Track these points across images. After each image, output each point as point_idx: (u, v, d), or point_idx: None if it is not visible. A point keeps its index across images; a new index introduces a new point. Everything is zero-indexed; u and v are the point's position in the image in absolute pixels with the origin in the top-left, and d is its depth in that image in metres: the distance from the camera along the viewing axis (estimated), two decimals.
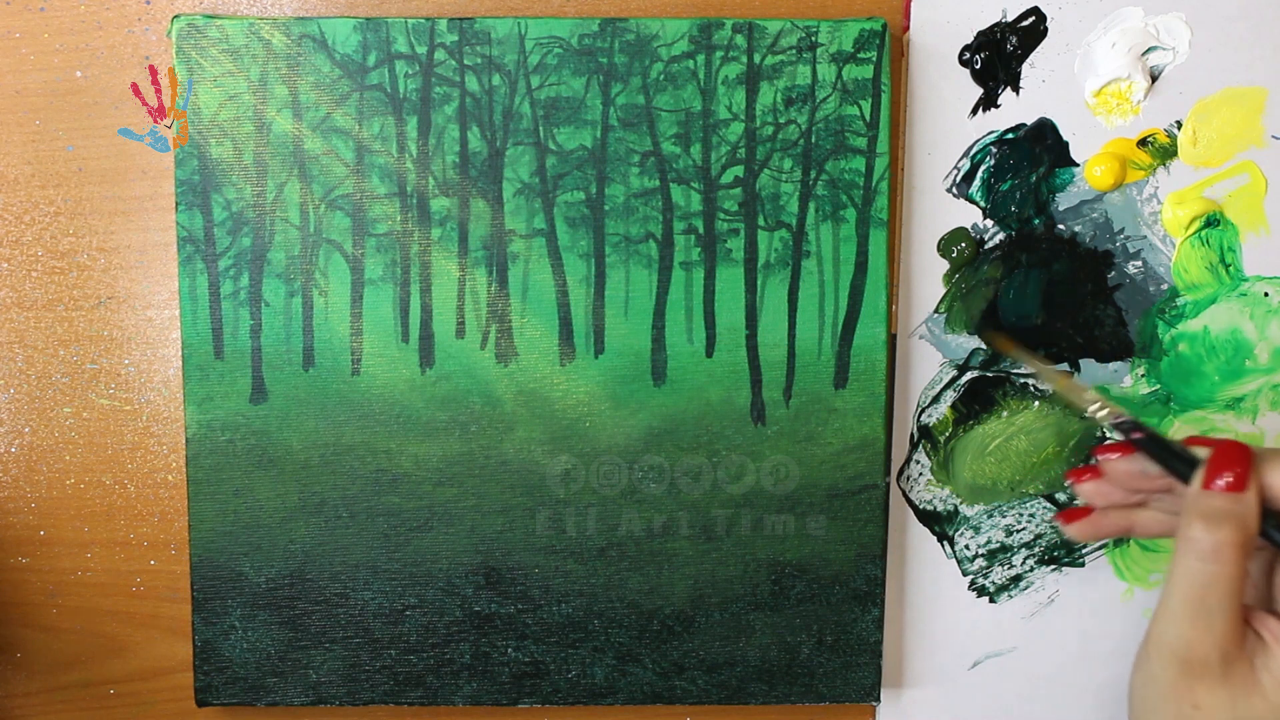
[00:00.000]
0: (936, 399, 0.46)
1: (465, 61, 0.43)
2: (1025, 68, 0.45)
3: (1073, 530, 0.42)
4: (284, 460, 0.45)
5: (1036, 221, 0.45)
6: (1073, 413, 0.45)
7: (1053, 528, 0.47)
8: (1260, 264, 0.45)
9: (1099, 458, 0.41)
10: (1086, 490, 0.42)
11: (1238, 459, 0.36)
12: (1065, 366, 0.46)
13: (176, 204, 0.44)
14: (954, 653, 0.47)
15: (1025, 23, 0.44)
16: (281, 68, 0.43)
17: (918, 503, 0.47)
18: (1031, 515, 0.47)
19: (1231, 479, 0.36)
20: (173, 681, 0.47)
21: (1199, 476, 0.37)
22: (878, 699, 0.46)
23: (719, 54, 0.43)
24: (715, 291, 0.44)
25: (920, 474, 0.47)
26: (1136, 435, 0.39)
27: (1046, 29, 0.44)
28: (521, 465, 0.45)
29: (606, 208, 0.44)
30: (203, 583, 0.45)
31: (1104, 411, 0.41)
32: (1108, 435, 0.46)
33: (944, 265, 0.45)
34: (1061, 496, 0.47)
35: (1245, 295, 0.46)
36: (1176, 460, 0.38)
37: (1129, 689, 0.39)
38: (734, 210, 0.44)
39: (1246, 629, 0.36)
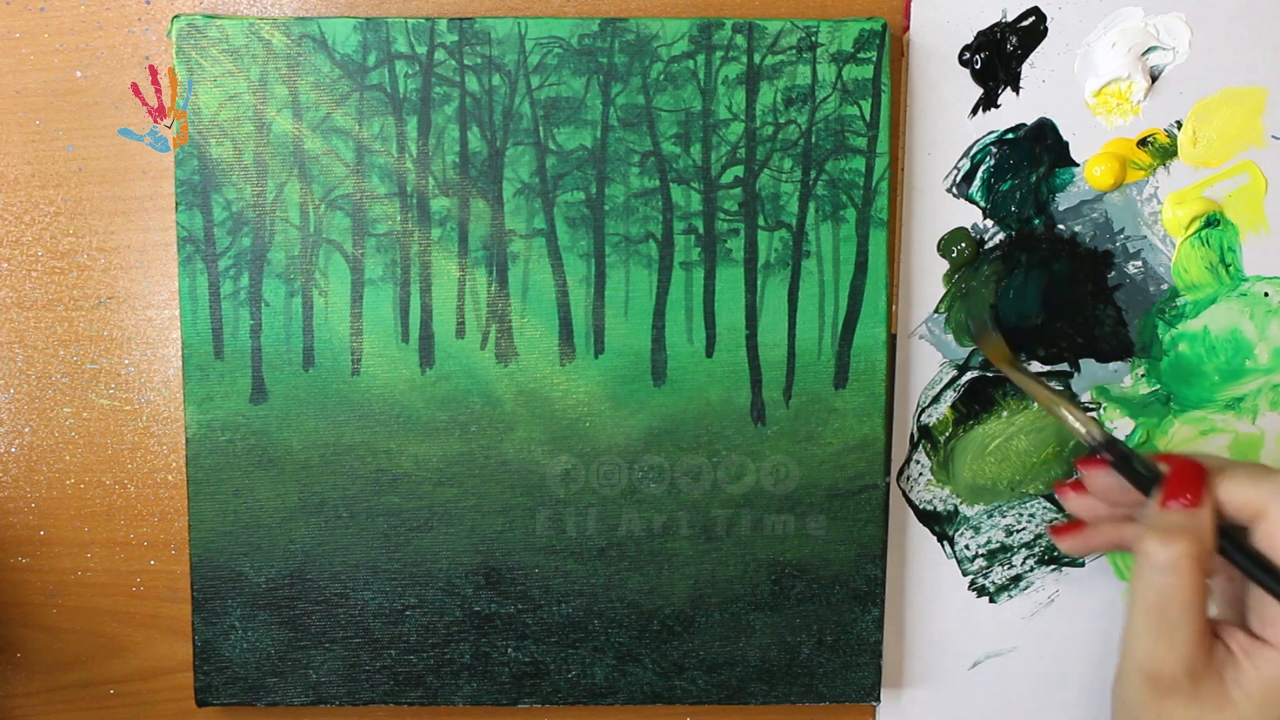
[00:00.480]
0: (936, 399, 0.46)
1: (465, 61, 0.43)
2: (1025, 68, 0.45)
3: (1064, 544, 0.42)
4: (284, 460, 0.45)
5: (1036, 221, 0.45)
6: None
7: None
8: (1260, 264, 0.45)
9: (1079, 470, 0.41)
10: (1072, 504, 0.42)
11: (1192, 477, 0.37)
12: (1065, 366, 0.46)
13: (176, 204, 0.44)
14: (954, 653, 0.47)
15: (1025, 23, 0.44)
16: (281, 68, 0.43)
17: (918, 503, 0.47)
18: (1031, 515, 0.47)
19: (1188, 497, 0.37)
20: (173, 681, 0.47)
21: (1157, 496, 0.38)
22: (878, 699, 0.46)
23: (719, 54, 0.43)
24: (715, 291, 0.44)
25: (920, 474, 0.47)
26: (1106, 455, 0.40)
27: (1046, 29, 0.44)
28: (521, 465, 0.45)
29: (606, 208, 0.44)
30: (203, 583, 0.45)
31: (1083, 430, 0.41)
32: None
33: (944, 265, 0.45)
34: None
35: (1245, 295, 0.45)
36: (1143, 478, 0.39)
37: (1110, 709, 0.39)
38: (734, 210, 0.44)
39: (1216, 643, 0.36)
